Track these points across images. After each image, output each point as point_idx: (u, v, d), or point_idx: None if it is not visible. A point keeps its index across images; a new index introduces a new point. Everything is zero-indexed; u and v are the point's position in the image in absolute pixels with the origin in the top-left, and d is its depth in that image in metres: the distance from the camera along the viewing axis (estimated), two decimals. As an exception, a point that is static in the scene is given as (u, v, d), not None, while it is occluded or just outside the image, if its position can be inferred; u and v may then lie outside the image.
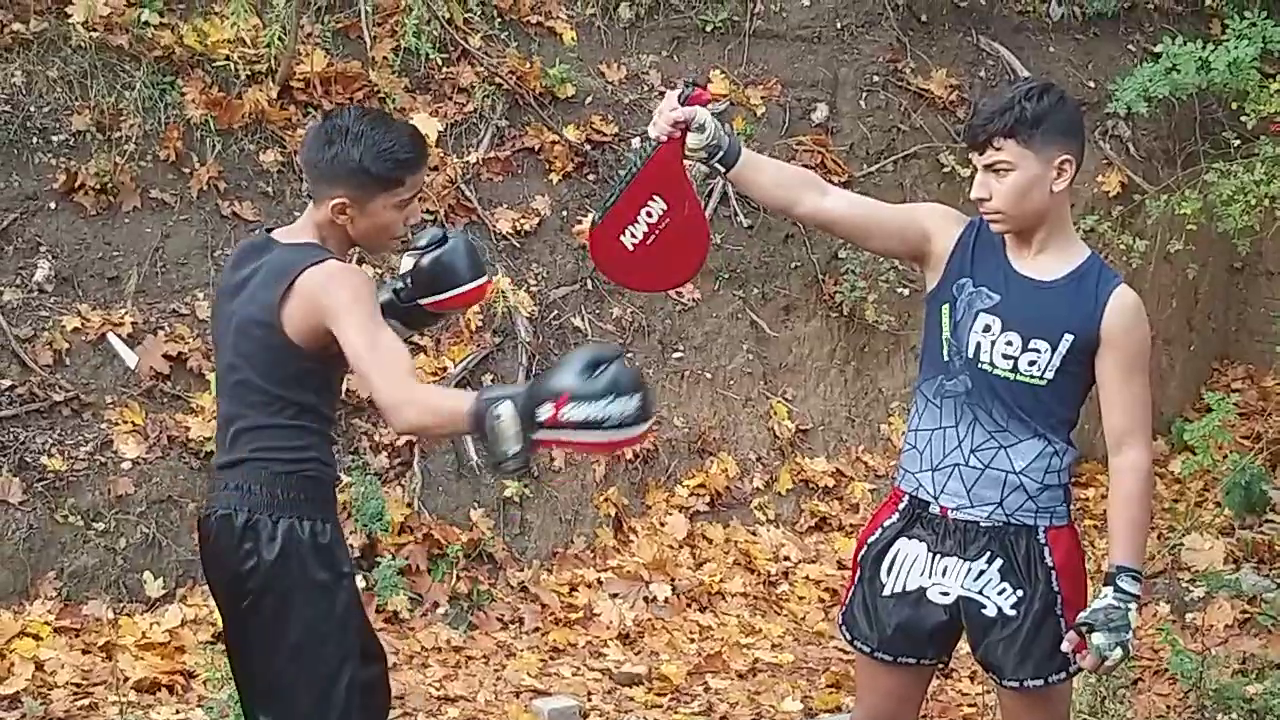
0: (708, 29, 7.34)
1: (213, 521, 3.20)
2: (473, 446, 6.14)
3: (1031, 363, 3.27)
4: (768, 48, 7.44)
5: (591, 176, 6.85)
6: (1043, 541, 3.32)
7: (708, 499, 6.68)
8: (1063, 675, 3.34)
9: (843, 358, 7.32)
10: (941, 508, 3.35)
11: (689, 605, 6.19)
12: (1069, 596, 3.31)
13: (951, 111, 7.63)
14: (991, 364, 3.29)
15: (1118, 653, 3.17)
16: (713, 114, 3.33)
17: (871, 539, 3.46)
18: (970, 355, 3.30)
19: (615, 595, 6.10)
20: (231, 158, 6.15)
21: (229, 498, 3.17)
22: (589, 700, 5.38)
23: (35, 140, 5.85)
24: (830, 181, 4.12)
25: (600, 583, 6.16)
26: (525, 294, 6.49)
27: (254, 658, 3.22)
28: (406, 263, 3.46)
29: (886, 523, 3.44)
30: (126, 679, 5.03)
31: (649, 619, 6.04)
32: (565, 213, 6.76)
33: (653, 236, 3.40)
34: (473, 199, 6.57)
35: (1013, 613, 3.32)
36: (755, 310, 7.09)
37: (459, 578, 5.88)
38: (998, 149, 3.22)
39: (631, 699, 5.46)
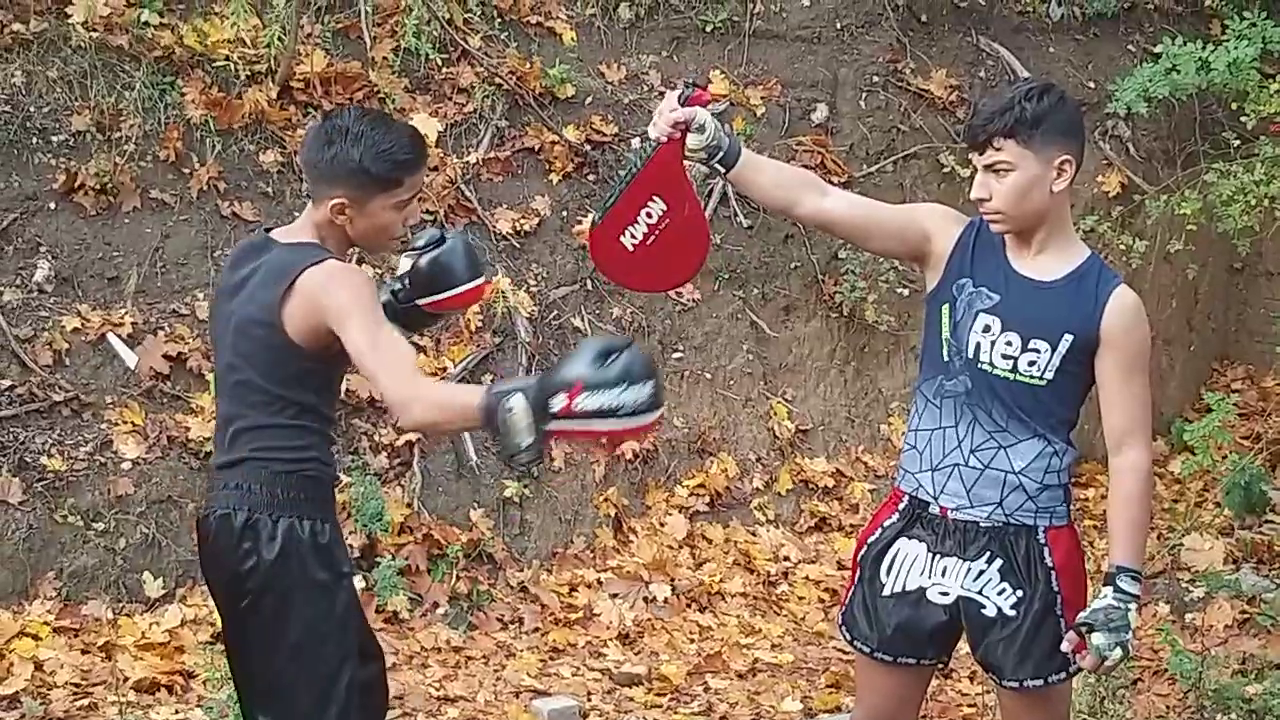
0: (707, 29, 7.34)
1: (212, 521, 3.20)
2: (471, 446, 6.15)
3: (1031, 363, 3.27)
4: (767, 48, 7.45)
5: (591, 177, 6.85)
6: (1042, 541, 3.32)
7: (707, 499, 6.68)
8: (1062, 675, 3.34)
9: (843, 358, 7.32)
10: (941, 508, 3.35)
11: (689, 605, 6.19)
12: (1069, 596, 3.31)
13: (951, 112, 7.64)
14: (991, 364, 3.29)
15: (1117, 653, 3.17)
16: (712, 114, 3.33)
17: (871, 539, 3.46)
18: (970, 355, 3.31)
19: (615, 595, 6.10)
20: (231, 158, 6.15)
21: (228, 497, 3.17)
22: (589, 700, 5.38)
23: (35, 140, 5.85)
24: (830, 182, 4.13)
25: (600, 583, 6.16)
26: (525, 294, 6.49)
27: (253, 657, 3.22)
28: (404, 264, 3.47)
29: (886, 523, 3.44)
30: (126, 679, 5.03)
31: (649, 619, 6.04)
32: (565, 213, 6.76)
33: (653, 237, 3.40)
34: (472, 199, 6.57)
35: (1012, 613, 3.32)
36: (755, 310, 7.09)
37: (459, 578, 5.88)
38: (998, 149, 3.22)
39: (631, 699, 5.46)
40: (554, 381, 2.77)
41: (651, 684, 5.58)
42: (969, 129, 3.29)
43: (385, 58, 6.52)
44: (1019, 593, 3.32)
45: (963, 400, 3.32)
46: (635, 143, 6.82)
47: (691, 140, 3.30)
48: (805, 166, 6.72)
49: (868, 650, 3.45)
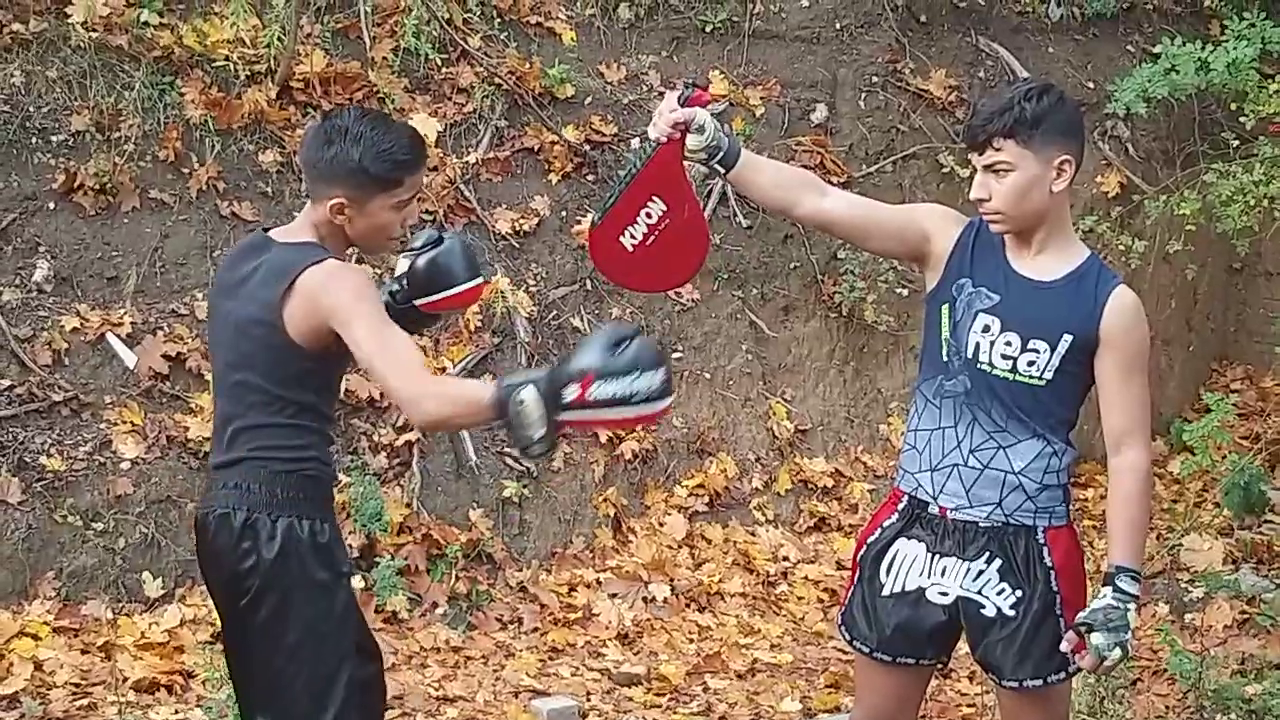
0: (707, 29, 7.34)
1: (211, 520, 3.19)
2: (471, 446, 6.15)
3: (1030, 363, 3.27)
4: (767, 48, 7.45)
5: (591, 177, 6.85)
6: (1042, 541, 3.32)
7: (707, 499, 6.68)
8: (1062, 675, 3.34)
9: (842, 358, 7.32)
10: (940, 508, 3.35)
11: (688, 605, 6.19)
12: (1068, 596, 3.31)
13: (951, 112, 7.64)
14: (990, 364, 3.29)
15: (1116, 653, 3.17)
16: (712, 115, 3.33)
17: (871, 539, 3.46)
18: (969, 355, 3.31)
19: (614, 595, 6.10)
20: (231, 158, 6.15)
21: (227, 496, 3.17)
22: (588, 700, 5.38)
23: (34, 140, 5.86)
24: (829, 182, 4.12)
25: (599, 583, 6.16)
26: (524, 294, 6.49)
27: (252, 657, 3.21)
28: (402, 264, 3.47)
29: (886, 523, 3.45)
30: (125, 679, 5.03)
31: (648, 619, 6.04)
32: (564, 213, 6.76)
33: (652, 237, 3.40)
34: (472, 199, 6.57)
35: (1012, 613, 3.32)
36: (754, 310, 7.09)
37: (458, 578, 5.88)
38: (997, 149, 3.22)
39: (630, 699, 5.46)
40: (565, 372, 2.78)
41: (651, 684, 5.58)
42: (968, 129, 3.29)
43: (385, 58, 6.52)
44: (1018, 593, 3.32)
45: (962, 400, 3.32)
46: (635, 143, 6.82)
47: (691, 141, 3.30)
48: (804, 167, 6.71)
49: (867, 650, 3.45)
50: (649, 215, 3.39)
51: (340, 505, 5.54)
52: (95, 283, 5.83)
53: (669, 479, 6.69)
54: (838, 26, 7.60)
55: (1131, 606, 3.20)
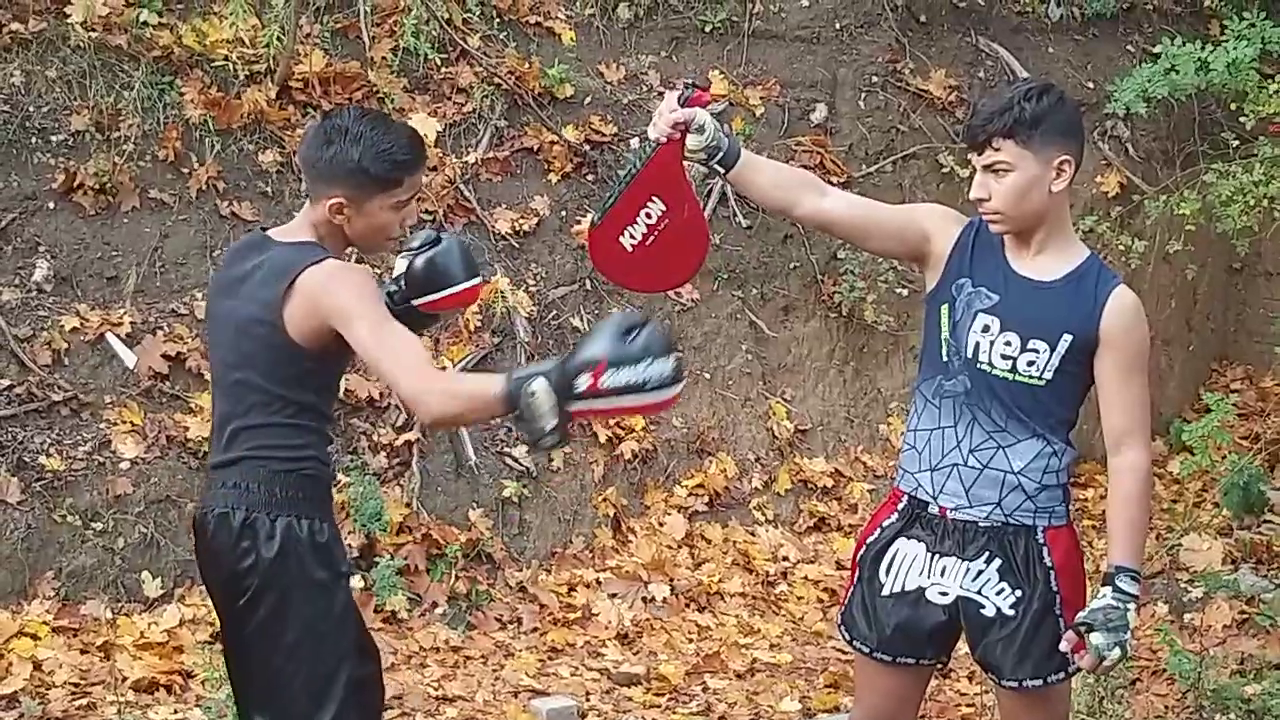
0: (706, 29, 7.34)
1: (209, 520, 3.19)
2: (470, 446, 6.15)
3: (1030, 363, 3.27)
4: (766, 48, 7.45)
5: (590, 177, 6.85)
6: (1041, 541, 3.32)
7: (706, 499, 6.68)
8: (1061, 675, 3.34)
9: (841, 358, 7.32)
10: (940, 508, 3.35)
11: (687, 605, 6.19)
12: (1068, 596, 3.31)
13: (950, 112, 7.64)
14: (990, 364, 3.29)
15: (1116, 653, 3.16)
16: (711, 115, 3.33)
17: (871, 539, 3.46)
18: (969, 355, 3.31)
19: (614, 595, 6.10)
20: (230, 158, 6.15)
21: (226, 496, 3.17)
22: (587, 700, 5.38)
23: (34, 140, 5.86)
24: (829, 182, 4.13)
25: (599, 583, 6.16)
26: (524, 294, 6.49)
27: (250, 656, 3.21)
28: (400, 265, 3.46)
29: (885, 523, 3.45)
30: (124, 679, 5.03)
31: (647, 619, 6.04)
32: (564, 213, 6.76)
33: (652, 237, 3.40)
34: (471, 199, 6.57)
35: (1011, 613, 3.32)
36: (754, 310, 7.09)
37: (457, 578, 5.88)
38: (997, 149, 3.22)
39: (630, 699, 5.46)
40: (577, 362, 2.78)
41: (650, 684, 5.58)
42: (968, 129, 3.29)
43: (384, 57, 6.52)
44: (1018, 592, 3.32)
45: (962, 400, 3.32)
46: (634, 143, 6.83)
47: (691, 141, 3.30)
48: (804, 167, 6.72)
49: (867, 650, 3.45)
50: (649, 215, 3.39)
51: (340, 505, 5.54)
52: (95, 282, 5.83)
53: (669, 479, 6.69)
54: (837, 26, 7.60)
55: (1131, 606, 3.20)
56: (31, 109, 5.87)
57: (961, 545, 3.34)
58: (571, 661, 5.70)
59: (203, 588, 3.46)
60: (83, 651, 5.16)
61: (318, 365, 3.14)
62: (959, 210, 3.49)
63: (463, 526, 6.04)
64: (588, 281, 6.69)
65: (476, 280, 3.47)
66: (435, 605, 5.77)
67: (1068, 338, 3.25)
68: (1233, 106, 7.25)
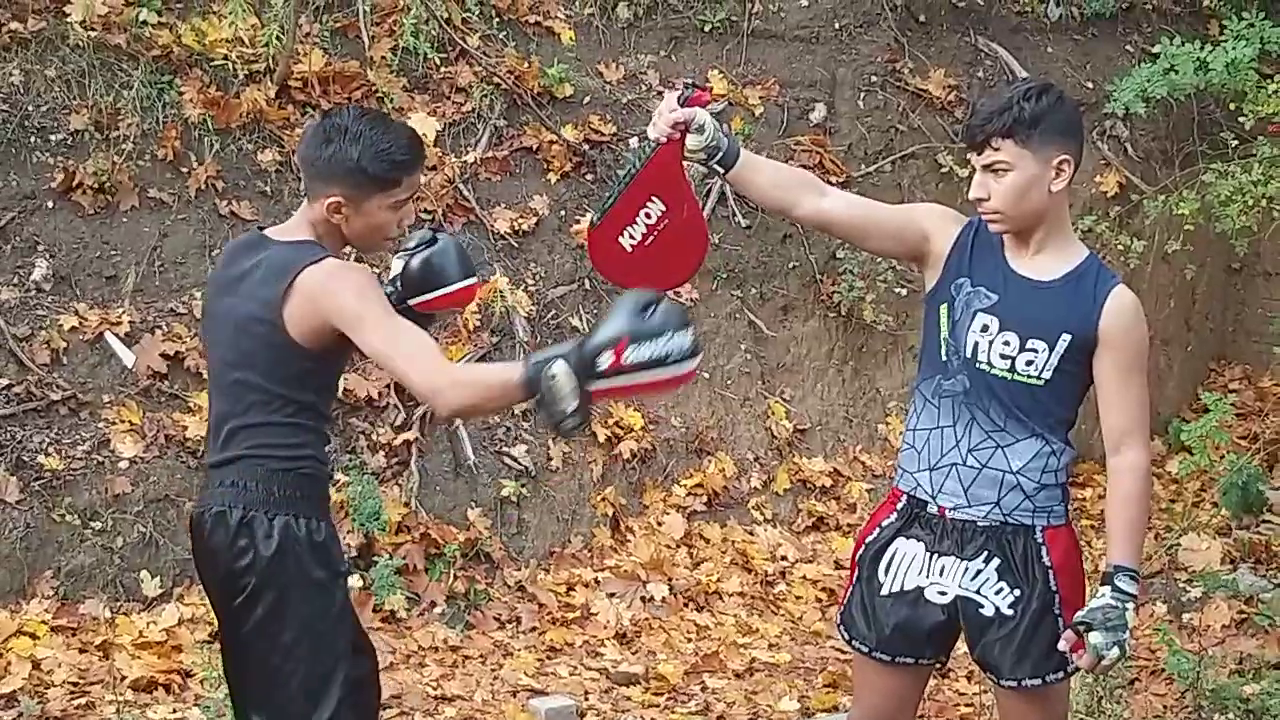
0: (706, 29, 7.35)
1: (207, 519, 3.18)
2: (469, 446, 6.15)
3: (1029, 362, 3.27)
4: (766, 48, 7.45)
5: (589, 176, 6.85)
6: (1040, 541, 3.32)
7: (705, 499, 6.68)
8: (1060, 675, 3.34)
9: (840, 358, 7.33)
10: (939, 507, 3.35)
11: (686, 605, 6.20)
12: (1066, 596, 3.31)
13: (949, 112, 7.64)
14: (989, 364, 3.29)
15: (1115, 652, 3.16)
16: (711, 115, 3.33)
17: (870, 539, 3.46)
18: (968, 355, 3.31)
19: (612, 595, 6.11)
20: (229, 157, 6.15)
21: (224, 495, 3.16)
22: (586, 700, 5.38)
23: (33, 139, 5.85)
24: (828, 182, 4.13)
25: (597, 582, 6.16)
26: (523, 294, 6.49)
27: (248, 655, 3.21)
28: (396, 265, 3.46)
29: (885, 522, 3.45)
30: (123, 678, 5.03)
31: (646, 619, 6.04)
32: (563, 212, 6.76)
33: (651, 237, 3.41)
34: (471, 198, 6.57)
35: (1010, 612, 3.32)
36: (753, 310, 7.09)
37: (456, 577, 5.88)
38: (996, 149, 3.22)
39: (628, 698, 5.46)
40: (596, 342, 2.79)
41: (649, 683, 5.58)
42: (967, 129, 3.29)
43: (383, 57, 6.52)
44: (1017, 592, 3.32)
45: (961, 400, 3.32)
46: (633, 142, 6.83)
47: (691, 141, 3.30)
48: (803, 166, 6.72)
49: (866, 650, 3.45)
50: (648, 215, 3.39)
51: (338, 504, 5.54)
52: (94, 282, 5.83)
53: (667, 478, 6.69)
54: (837, 26, 7.60)
55: (1130, 606, 3.20)
56: (30, 108, 5.87)
57: (960, 544, 3.34)
58: (570, 661, 5.70)
59: (201, 587, 3.45)
60: (81, 651, 5.16)
61: (317, 364, 3.14)
62: (958, 210, 3.49)
63: (461, 526, 6.04)
64: (587, 281, 6.69)
65: (472, 280, 3.46)
66: (434, 605, 5.77)
67: (1066, 337, 3.25)
68: (1232, 106, 7.25)
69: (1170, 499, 7.38)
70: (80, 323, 5.69)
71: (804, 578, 6.55)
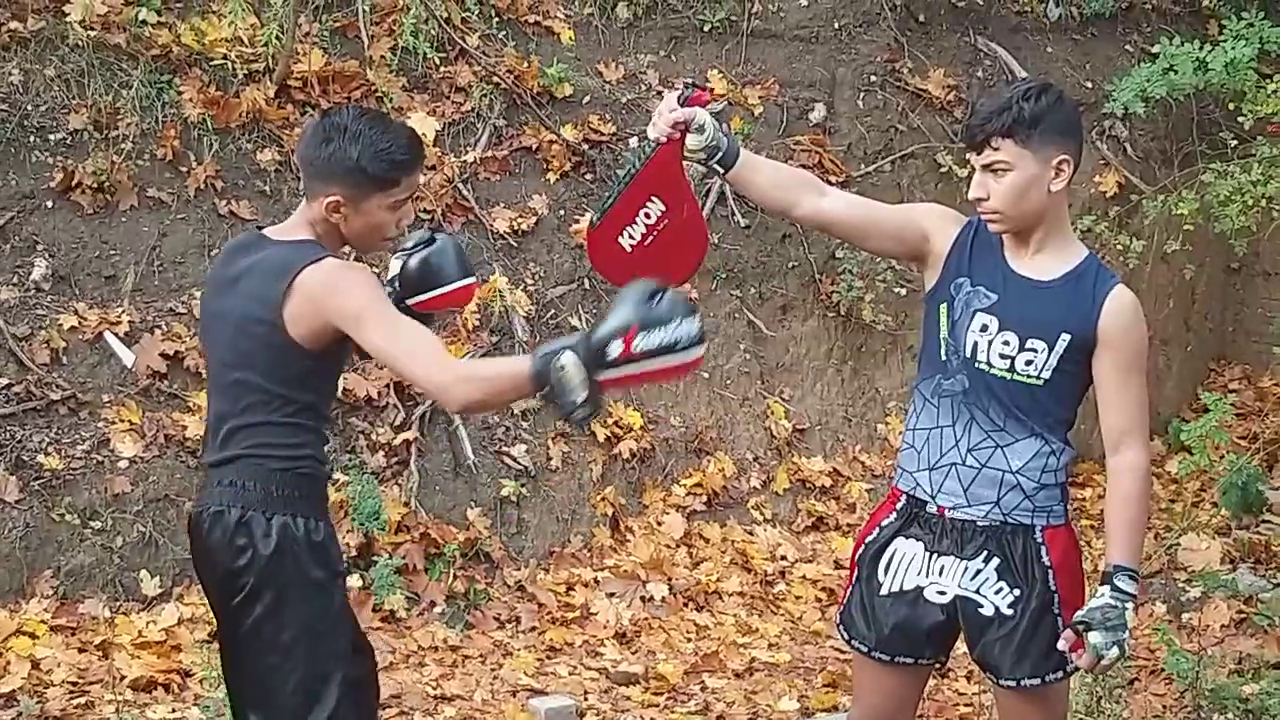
0: (705, 29, 7.35)
1: (205, 518, 3.18)
2: (469, 445, 6.15)
3: (1028, 362, 3.27)
4: (765, 47, 7.45)
5: (589, 176, 6.85)
6: (1039, 541, 3.32)
7: (705, 499, 6.68)
8: (1060, 675, 3.34)
9: (840, 357, 7.33)
10: (939, 507, 3.35)
11: (686, 605, 6.20)
12: (1066, 596, 3.31)
13: (949, 112, 7.64)
14: (988, 363, 3.29)
15: (1114, 652, 3.17)
16: (711, 115, 3.33)
17: (869, 538, 3.46)
18: (967, 355, 3.31)
19: (612, 595, 6.11)
20: (229, 157, 6.15)
21: (222, 494, 3.16)
22: (585, 699, 5.38)
23: (33, 139, 5.85)
24: (828, 181, 4.13)
25: (597, 582, 6.16)
26: (522, 293, 6.49)
27: (246, 655, 3.20)
28: (394, 265, 3.46)
29: (884, 522, 3.45)
30: (123, 677, 5.03)
31: (646, 618, 6.04)
32: (563, 212, 6.76)
33: (651, 238, 3.41)
34: (470, 198, 6.57)
35: (1010, 612, 3.32)
36: (752, 310, 7.09)
37: (456, 577, 5.88)
38: (995, 149, 3.22)
39: (628, 698, 5.46)
40: (605, 332, 2.80)
41: (648, 683, 5.58)
42: (967, 129, 3.29)
43: (383, 56, 6.52)
44: (1016, 591, 3.32)
45: (960, 399, 3.32)
46: (633, 142, 6.83)
47: (691, 141, 3.30)
48: (803, 166, 6.73)
49: (865, 650, 3.45)
50: (648, 215, 3.39)
51: (338, 504, 5.54)
52: (93, 281, 5.82)
53: (667, 478, 6.69)
54: (836, 26, 7.60)
55: (1129, 605, 3.20)
56: (30, 108, 5.87)
57: (960, 544, 3.34)
58: (570, 661, 5.70)
59: (200, 587, 3.45)
60: (81, 650, 5.16)
61: (317, 364, 3.13)
62: (958, 210, 3.49)
63: (461, 526, 6.03)
64: (586, 281, 6.69)
65: (470, 280, 3.46)
66: (433, 604, 5.77)
67: (1066, 337, 3.25)
68: (1231, 106, 7.25)
69: (1170, 499, 7.39)
70: (80, 322, 5.69)
71: (803, 577, 6.55)
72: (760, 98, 7.29)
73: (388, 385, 6.04)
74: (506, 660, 5.61)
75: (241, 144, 6.18)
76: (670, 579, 6.24)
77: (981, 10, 7.99)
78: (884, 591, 3.42)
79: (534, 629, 5.86)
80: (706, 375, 6.89)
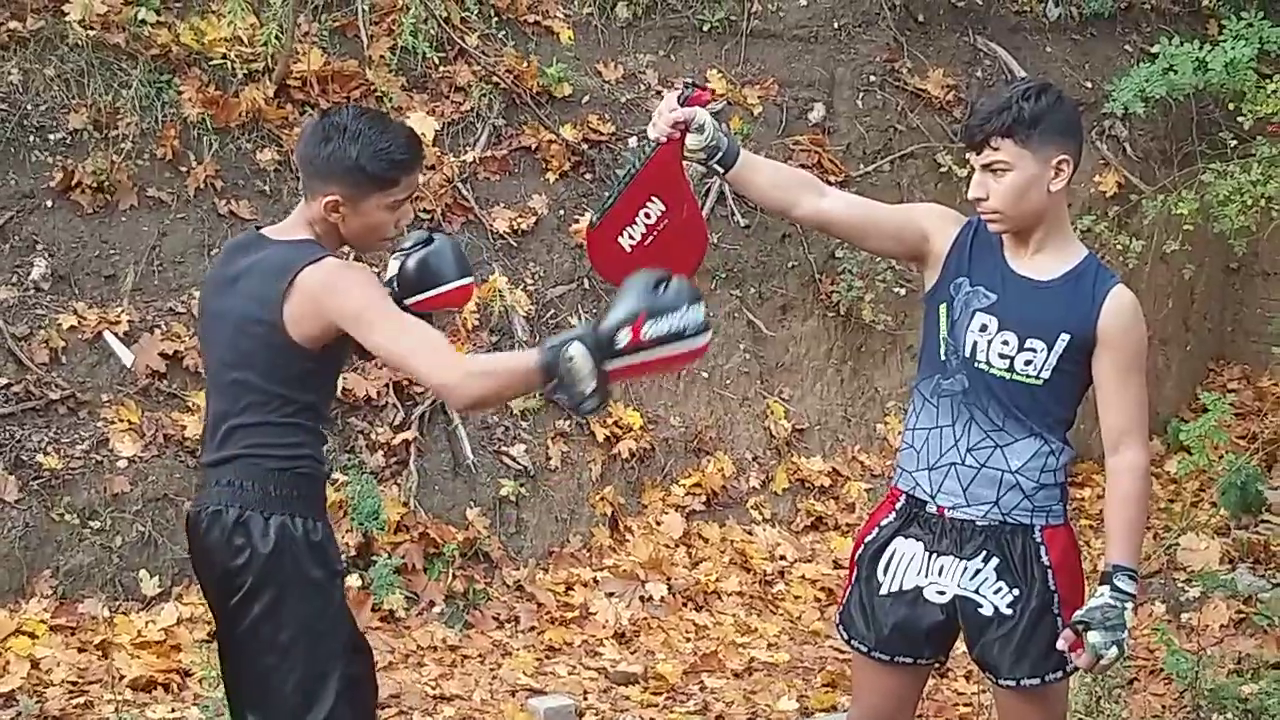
0: (705, 28, 7.34)
1: (203, 518, 3.18)
2: (468, 445, 6.15)
3: (1028, 362, 3.27)
4: (765, 47, 7.45)
5: (588, 176, 6.85)
6: (1039, 540, 3.32)
7: (704, 498, 6.68)
8: (1059, 674, 3.34)
9: (839, 357, 7.33)
10: (938, 507, 3.35)
11: (685, 604, 6.19)
12: (1065, 595, 3.31)
13: (948, 111, 7.64)
14: (988, 363, 3.29)
15: (1113, 651, 3.17)
16: (710, 114, 3.33)
17: (869, 538, 3.46)
18: (967, 354, 3.31)
19: (611, 594, 6.10)
20: (228, 156, 6.15)
21: (220, 494, 3.16)
22: (585, 699, 5.38)
23: (32, 138, 5.85)
24: (827, 181, 4.13)
25: (596, 582, 6.16)
26: (522, 293, 6.49)
27: (244, 654, 3.20)
28: (393, 266, 3.46)
29: (884, 522, 3.45)
30: (122, 677, 5.03)
31: (645, 618, 6.04)
32: (562, 212, 6.76)
33: (650, 238, 3.41)
34: (469, 198, 6.57)
35: (1009, 611, 3.32)
36: (752, 310, 7.09)
37: (455, 577, 5.88)
38: (995, 149, 3.22)
39: (627, 698, 5.46)
40: (612, 321, 2.81)
41: (647, 683, 5.58)
42: (966, 129, 3.29)
43: (382, 56, 6.51)
44: (1015, 591, 3.32)
45: (959, 399, 3.32)
46: (632, 142, 6.83)
47: (691, 140, 3.30)
48: (802, 166, 6.73)
49: (865, 650, 3.45)
50: (648, 215, 3.39)
51: (337, 504, 5.54)
52: (93, 281, 5.82)
53: (666, 478, 6.69)
54: (835, 26, 7.60)
55: (1129, 605, 3.20)
56: (29, 107, 5.87)
57: (959, 544, 3.34)
58: (569, 660, 5.70)
59: (199, 586, 3.45)
60: (80, 650, 5.16)
61: (317, 365, 3.13)
62: (957, 210, 3.49)
63: (460, 525, 6.03)
64: (585, 280, 6.69)
65: (468, 280, 3.46)
66: (433, 604, 5.77)
67: (1065, 337, 3.25)
68: (1230, 106, 7.25)
69: (1169, 499, 7.39)
70: (79, 322, 5.68)
71: (803, 577, 6.55)
72: (759, 97, 7.29)
73: (387, 385, 6.04)
74: (505, 660, 5.61)
75: (241, 144, 6.18)
76: (669, 579, 6.24)
77: (981, 10, 7.99)
78: (883, 591, 3.42)
79: (533, 629, 5.86)
80: (706, 375, 6.89)
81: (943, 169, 7.50)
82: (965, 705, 5.48)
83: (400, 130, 3.23)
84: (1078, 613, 3.21)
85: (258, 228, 3.31)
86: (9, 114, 5.81)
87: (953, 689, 5.64)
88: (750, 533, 6.71)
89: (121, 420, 5.60)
